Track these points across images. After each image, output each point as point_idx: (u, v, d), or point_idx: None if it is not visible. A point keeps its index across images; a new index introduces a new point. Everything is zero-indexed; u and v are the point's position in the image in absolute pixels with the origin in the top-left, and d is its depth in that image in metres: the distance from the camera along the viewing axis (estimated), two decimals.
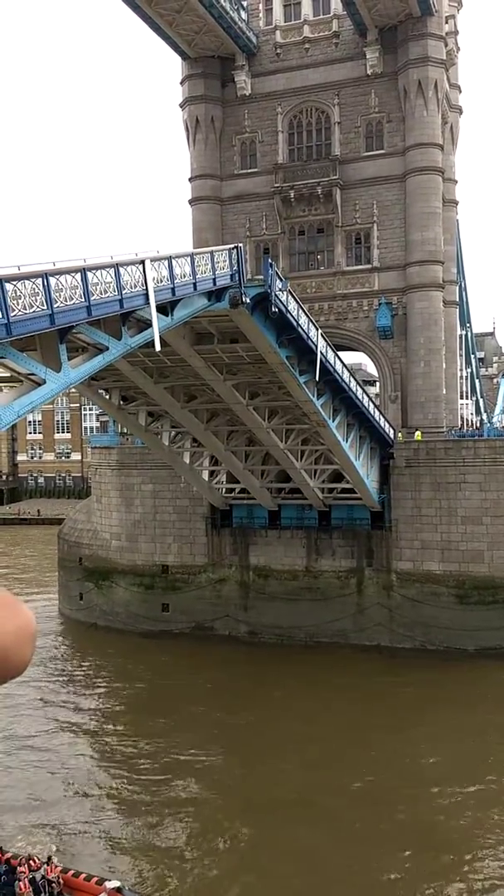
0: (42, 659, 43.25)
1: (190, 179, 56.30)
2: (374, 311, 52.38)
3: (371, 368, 71.02)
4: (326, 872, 23.08)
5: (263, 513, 47.37)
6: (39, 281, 18.74)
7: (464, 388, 68.56)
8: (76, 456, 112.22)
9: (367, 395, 42.66)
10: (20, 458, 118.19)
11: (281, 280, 30.81)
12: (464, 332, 68.40)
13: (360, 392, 40.02)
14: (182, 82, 56.06)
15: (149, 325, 23.14)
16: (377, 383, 58.42)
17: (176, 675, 41.11)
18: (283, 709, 35.97)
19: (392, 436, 45.42)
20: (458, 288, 62.17)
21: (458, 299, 62.21)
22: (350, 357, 79.77)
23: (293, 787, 28.48)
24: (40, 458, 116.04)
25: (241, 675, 41.25)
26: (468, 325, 72.30)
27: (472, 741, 32.58)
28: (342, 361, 38.59)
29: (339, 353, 61.08)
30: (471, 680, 39.35)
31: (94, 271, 20.78)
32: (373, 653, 43.45)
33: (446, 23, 53.28)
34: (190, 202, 56.34)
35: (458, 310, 62.53)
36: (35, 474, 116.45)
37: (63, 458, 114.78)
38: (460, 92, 60.84)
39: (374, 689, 38.30)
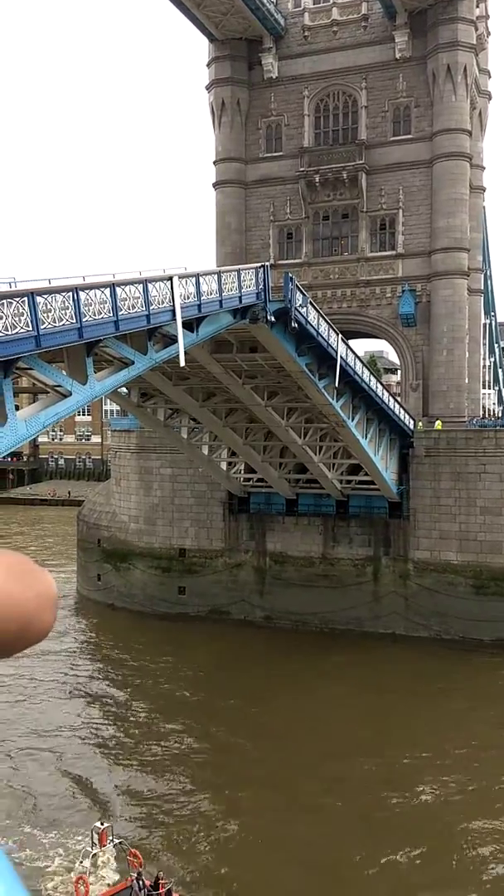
0: (59, 636, 43.72)
1: (214, 162, 56.06)
2: (397, 298, 52.01)
3: (393, 356, 70.65)
4: (328, 861, 23.23)
5: (281, 499, 47.37)
6: (70, 295, 19.16)
7: (486, 378, 68.00)
8: (96, 439, 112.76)
9: (387, 390, 42.48)
10: (41, 439, 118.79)
11: (302, 294, 31.03)
12: (488, 321, 67.80)
13: (379, 389, 40.00)
14: (209, 64, 55.75)
15: (174, 340, 23.43)
16: (398, 371, 58.07)
17: (190, 658, 41.35)
18: (295, 693, 36.10)
19: (412, 427, 45.18)
20: (483, 276, 61.58)
21: (482, 287, 61.63)
22: (372, 344, 79.16)
23: (297, 772, 28.58)
24: (61, 440, 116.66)
25: (255, 659, 41.41)
26: (492, 313, 71.64)
27: (484, 734, 32.50)
28: (361, 360, 38.52)
29: (361, 340, 60.90)
30: (487, 670, 39.26)
31: (122, 287, 21.10)
32: (387, 641, 43.44)
33: (477, 6, 52.49)
34: (214, 185, 56.12)
35: (482, 298, 61.95)
36: (56, 456, 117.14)
37: (83, 440, 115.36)
38: (490, 77, 60.03)
39: (387, 677, 38.35)
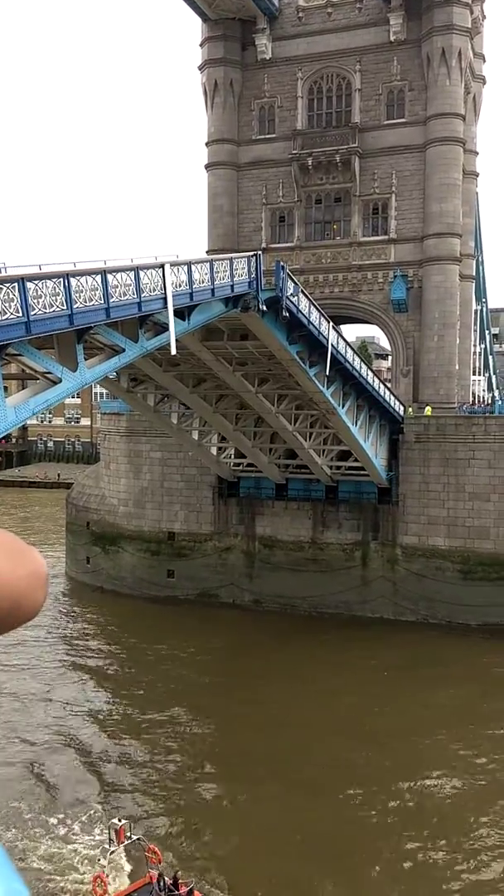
0: (47, 619, 43.80)
1: (207, 144, 55.58)
2: (388, 283, 51.89)
3: (384, 342, 70.60)
4: (328, 847, 23.41)
5: (271, 484, 47.51)
6: (60, 281, 19.05)
7: (477, 364, 67.99)
8: (85, 421, 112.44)
9: (378, 377, 42.48)
10: (30, 421, 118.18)
11: (293, 282, 31.02)
12: (479, 308, 67.68)
13: (370, 377, 40.04)
14: (202, 44, 55.14)
15: (165, 328, 23.34)
16: (389, 357, 58.00)
17: (179, 641, 41.50)
18: (285, 678, 36.32)
19: (402, 413, 45.30)
20: (475, 262, 61.44)
21: (474, 273, 61.50)
22: (363, 330, 78.84)
23: (280, 756, 28.79)
24: (50, 422, 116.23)
25: (244, 642, 41.65)
26: (484, 300, 71.52)
27: (475, 716, 32.83)
28: (352, 347, 38.55)
29: (352, 325, 60.73)
30: (475, 654, 39.61)
31: (114, 273, 21.00)
32: (376, 625, 43.76)
33: None
34: (206, 167, 55.68)
35: (474, 284, 61.84)
36: (45, 438, 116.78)
37: (73, 423, 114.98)
38: (484, 61, 59.56)
39: (376, 661, 38.60)
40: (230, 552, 48.33)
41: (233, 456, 46.62)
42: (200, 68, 55.36)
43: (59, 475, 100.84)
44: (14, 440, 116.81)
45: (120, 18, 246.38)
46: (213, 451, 45.63)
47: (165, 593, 48.49)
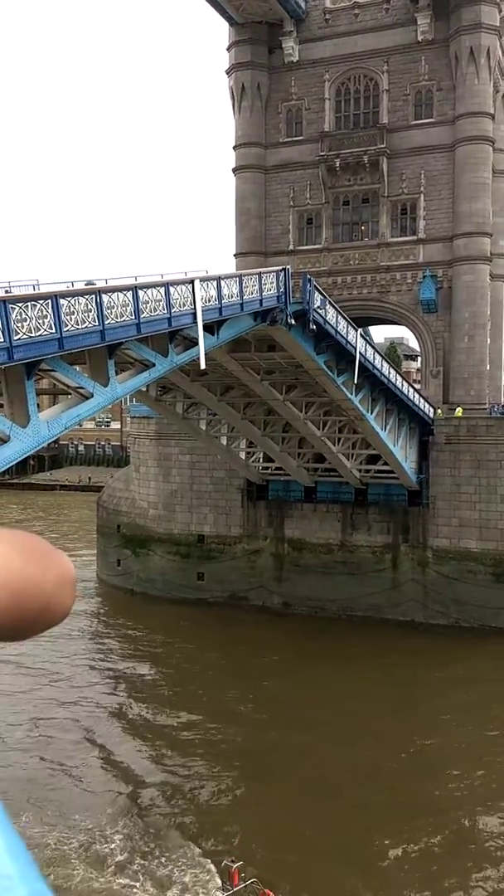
0: (79, 620, 44.22)
1: (234, 147, 55.68)
2: (417, 283, 51.61)
3: (413, 342, 70.19)
4: (355, 851, 23.34)
5: (299, 487, 47.48)
6: (93, 297, 19.31)
7: None
8: (115, 425, 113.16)
9: (406, 379, 42.22)
10: None
11: (321, 295, 31.06)
12: None
13: (399, 381, 39.84)
14: (229, 48, 55.26)
15: (194, 342, 23.48)
16: (419, 358, 57.67)
17: (209, 643, 41.67)
18: (312, 679, 36.25)
19: (431, 415, 45.02)
20: None
21: None
22: (392, 331, 78.45)
23: (309, 759, 28.76)
24: (81, 426, 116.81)
25: (274, 645, 41.58)
26: None
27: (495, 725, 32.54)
28: (380, 353, 38.38)
29: (381, 326, 60.40)
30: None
31: (144, 289, 21.28)
32: (406, 628, 43.55)
33: None
34: (233, 171, 55.78)
35: None
36: (76, 442, 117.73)
37: (103, 426, 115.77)
38: None
39: (406, 664, 38.39)
40: (259, 555, 48.39)
41: (261, 460, 46.69)
42: (228, 72, 55.47)
43: (89, 478, 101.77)
44: (46, 444, 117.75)
45: (146, 24, 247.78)
46: (242, 455, 45.75)
47: (195, 596, 48.66)
